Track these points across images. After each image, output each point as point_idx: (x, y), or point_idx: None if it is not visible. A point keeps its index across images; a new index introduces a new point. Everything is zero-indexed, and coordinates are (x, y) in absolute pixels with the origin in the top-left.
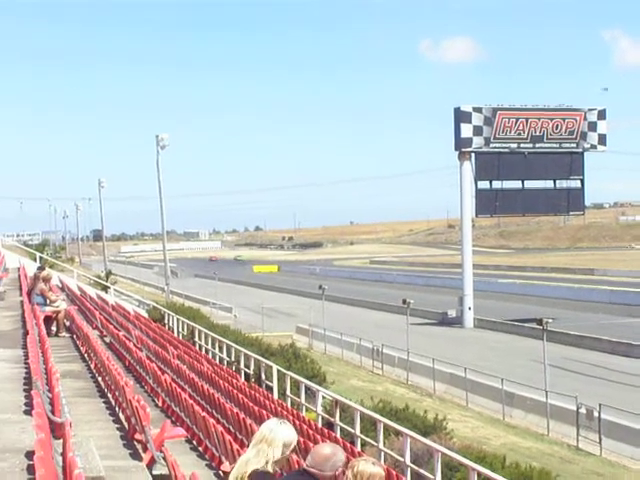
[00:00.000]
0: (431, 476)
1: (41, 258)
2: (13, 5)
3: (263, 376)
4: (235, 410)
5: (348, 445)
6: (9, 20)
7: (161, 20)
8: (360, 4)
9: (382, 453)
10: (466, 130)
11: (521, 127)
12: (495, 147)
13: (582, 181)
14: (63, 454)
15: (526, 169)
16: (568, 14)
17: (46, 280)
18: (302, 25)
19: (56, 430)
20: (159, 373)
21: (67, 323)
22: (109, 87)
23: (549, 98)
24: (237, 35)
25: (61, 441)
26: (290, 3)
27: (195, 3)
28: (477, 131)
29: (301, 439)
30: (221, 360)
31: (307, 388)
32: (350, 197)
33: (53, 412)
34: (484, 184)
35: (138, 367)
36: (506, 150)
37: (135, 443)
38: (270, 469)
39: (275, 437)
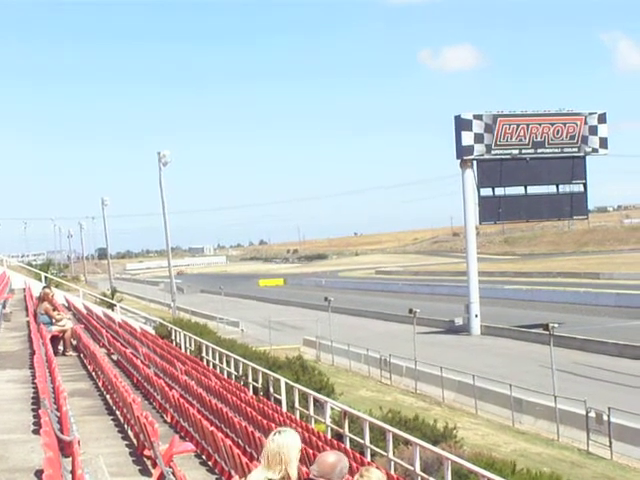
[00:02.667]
0: None
1: (46, 278)
2: (13, 23)
3: (271, 389)
4: (244, 424)
5: (358, 456)
6: (9, 38)
7: (162, 35)
8: (359, 13)
9: (392, 463)
10: (467, 138)
11: (522, 133)
12: (497, 154)
13: (585, 185)
14: (72, 472)
15: (528, 175)
16: (567, 18)
17: (46, 298)
18: (304, 36)
19: (65, 448)
20: (167, 389)
21: (74, 342)
22: (111, 104)
23: (551, 103)
24: (239, 47)
25: (70, 459)
26: (288, 12)
27: (194, 15)
28: (478, 138)
29: (310, 451)
30: (229, 375)
31: (315, 400)
32: (353, 208)
33: (62, 430)
34: (487, 191)
35: (146, 384)
36: (508, 156)
37: (144, 459)
38: None
39: (289, 452)
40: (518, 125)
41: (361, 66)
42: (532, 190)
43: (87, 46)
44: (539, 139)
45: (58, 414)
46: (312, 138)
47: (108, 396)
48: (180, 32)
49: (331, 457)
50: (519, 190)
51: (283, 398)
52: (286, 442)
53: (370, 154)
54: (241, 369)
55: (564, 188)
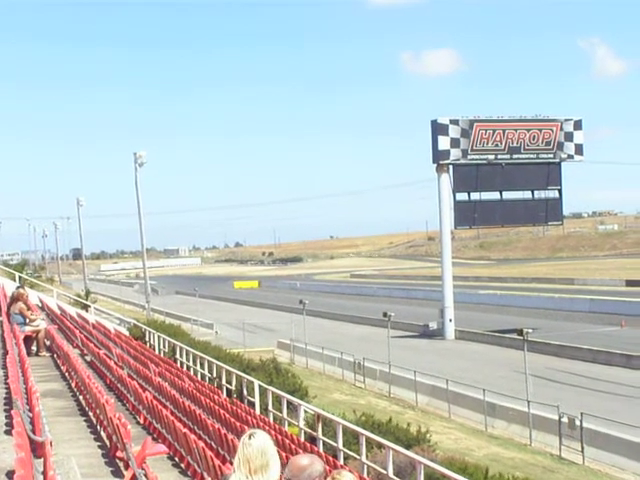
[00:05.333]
0: None
1: (20, 278)
2: None
3: (245, 392)
4: (217, 426)
5: (331, 459)
6: None
7: (137, 39)
8: (341, 17)
9: (365, 466)
10: (443, 142)
11: (498, 138)
12: (473, 159)
13: (560, 191)
14: (44, 473)
15: (504, 180)
16: (547, 24)
17: (21, 299)
18: (281, 39)
19: (37, 449)
20: (140, 390)
21: (47, 342)
22: (87, 105)
23: (530, 108)
24: (215, 52)
25: (42, 460)
26: (269, 18)
27: (171, 19)
28: (454, 143)
29: (283, 454)
30: (202, 377)
31: (289, 403)
32: (330, 212)
33: (34, 431)
34: (462, 196)
35: (119, 385)
36: (484, 162)
37: (117, 461)
38: None
39: (271, 454)
40: (494, 130)
41: (340, 69)
42: (507, 195)
43: (61, 48)
44: (515, 145)
45: (30, 415)
46: (288, 141)
47: (81, 397)
48: (155, 36)
49: (303, 460)
50: (494, 195)
51: (256, 400)
52: (265, 445)
53: (347, 157)
54: (215, 371)
55: (539, 194)
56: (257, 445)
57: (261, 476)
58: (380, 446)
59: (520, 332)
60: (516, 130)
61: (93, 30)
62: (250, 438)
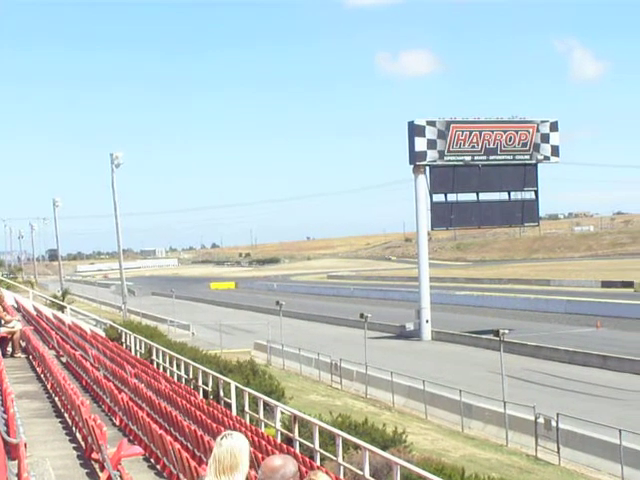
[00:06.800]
0: None
1: None
2: None
3: (221, 393)
4: (193, 427)
5: (307, 460)
6: None
7: (114, 38)
8: (318, 17)
9: (341, 467)
10: (420, 144)
11: (475, 140)
12: (449, 160)
13: (536, 192)
14: (18, 475)
15: (480, 181)
16: (525, 26)
17: None
18: (254, 41)
19: (11, 451)
20: (116, 392)
21: (23, 344)
22: (64, 105)
23: (508, 109)
24: (189, 54)
25: (16, 462)
26: (241, 22)
27: (145, 22)
28: (431, 144)
29: (260, 455)
30: (179, 378)
31: (266, 404)
32: (306, 212)
33: (8, 433)
34: (439, 197)
35: (95, 386)
36: (460, 163)
37: (92, 462)
38: None
39: (240, 456)
40: (471, 132)
41: (316, 70)
42: (484, 197)
43: (37, 47)
44: (492, 146)
45: (5, 416)
46: (265, 142)
47: (57, 398)
48: (133, 36)
49: (276, 461)
50: (471, 197)
51: (233, 402)
52: (236, 446)
53: (323, 158)
54: (191, 372)
55: (516, 195)
56: (227, 446)
57: (229, 477)
58: (356, 447)
59: (496, 333)
60: (493, 131)
61: (70, 31)
62: (222, 439)
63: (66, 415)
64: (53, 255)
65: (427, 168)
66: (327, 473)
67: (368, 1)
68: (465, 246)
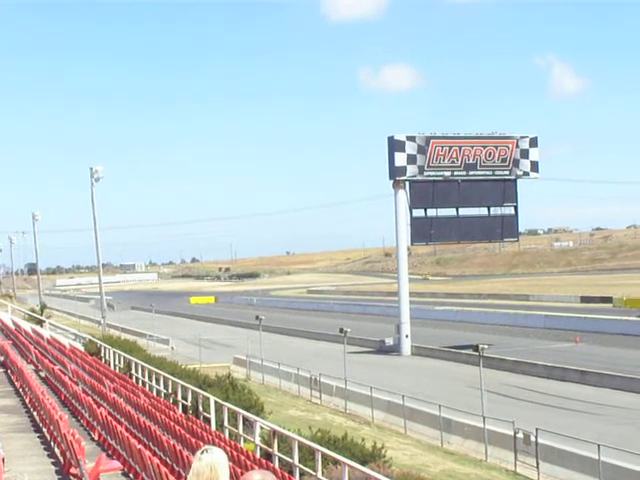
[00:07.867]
0: None
1: None
2: None
3: (201, 408)
4: (172, 442)
5: (287, 475)
6: None
7: (94, 53)
8: (300, 32)
9: None
10: (400, 159)
11: (454, 155)
12: (429, 175)
13: (515, 208)
14: None
15: (460, 197)
16: (505, 42)
17: None
18: (237, 54)
19: None
20: (95, 406)
21: (1, 358)
22: (44, 119)
23: (488, 125)
24: (167, 68)
25: None
26: (222, 36)
27: (124, 36)
28: (411, 160)
29: (239, 470)
30: (158, 392)
31: (245, 419)
32: (286, 227)
33: None
34: (419, 212)
35: (74, 401)
36: (440, 178)
37: (70, 477)
38: None
39: (218, 471)
40: (450, 147)
41: (298, 83)
42: (464, 212)
43: (18, 59)
44: (471, 161)
45: None
46: (244, 157)
47: (35, 413)
48: (114, 50)
49: (255, 476)
50: (451, 212)
51: (212, 417)
52: (215, 460)
53: (303, 173)
54: (170, 387)
55: (495, 210)
56: (207, 460)
57: None
58: (336, 462)
59: (476, 348)
60: (472, 147)
61: (52, 43)
62: (202, 453)
63: (44, 430)
64: (32, 269)
65: (407, 183)
66: None
67: (351, 16)
68: (445, 261)
